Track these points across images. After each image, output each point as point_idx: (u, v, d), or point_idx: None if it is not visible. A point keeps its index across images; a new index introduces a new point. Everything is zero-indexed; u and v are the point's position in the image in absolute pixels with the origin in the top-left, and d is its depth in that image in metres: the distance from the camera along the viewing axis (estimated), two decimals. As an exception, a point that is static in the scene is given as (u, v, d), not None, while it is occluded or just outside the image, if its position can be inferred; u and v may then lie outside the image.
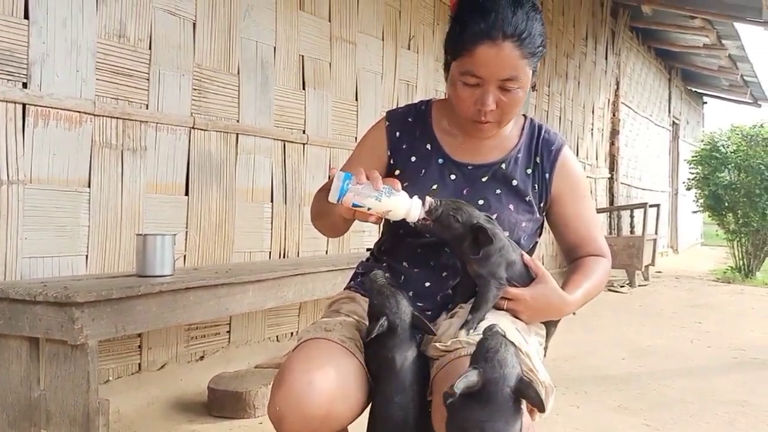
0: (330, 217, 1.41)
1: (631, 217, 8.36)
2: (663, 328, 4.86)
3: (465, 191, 1.48)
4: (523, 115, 1.58)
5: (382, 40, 4.15)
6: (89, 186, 2.52)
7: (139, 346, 2.74)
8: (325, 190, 1.32)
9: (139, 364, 2.74)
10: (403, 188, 1.44)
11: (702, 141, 10.32)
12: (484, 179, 1.49)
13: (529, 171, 1.51)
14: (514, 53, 1.33)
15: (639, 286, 7.22)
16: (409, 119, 1.57)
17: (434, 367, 1.32)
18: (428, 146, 1.53)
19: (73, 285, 2.00)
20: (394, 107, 1.63)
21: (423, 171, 1.51)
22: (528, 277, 1.41)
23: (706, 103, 15.89)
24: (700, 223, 15.57)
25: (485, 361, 1.13)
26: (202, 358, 3.02)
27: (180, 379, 2.88)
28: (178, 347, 2.90)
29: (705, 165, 9.53)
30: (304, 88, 3.56)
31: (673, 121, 12.74)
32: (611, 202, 8.68)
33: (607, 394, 3.08)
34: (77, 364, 1.87)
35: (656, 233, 7.95)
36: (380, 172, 1.54)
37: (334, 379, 1.24)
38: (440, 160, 1.51)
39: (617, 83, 8.99)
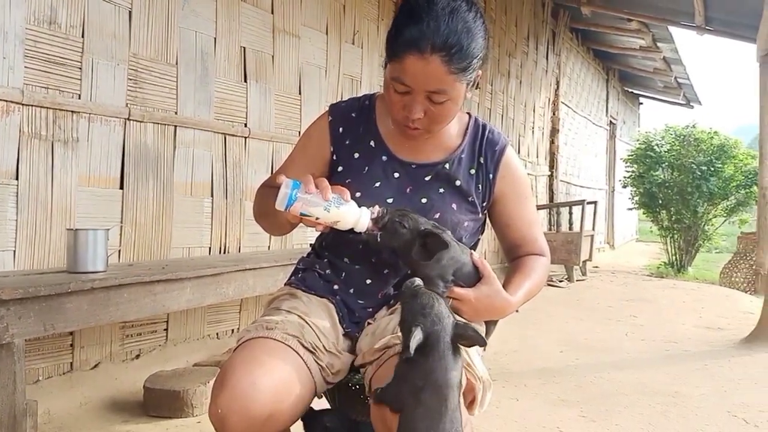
0: (275, 218, 1.38)
1: (570, 213, 8.57)
2: (599, 322, 4.99)
3: (408, 189, 1.47)
4: (467, 113, 1.57)
5: (326, 33, 4.11)
6: (17, 178, 2.41)
7: (71, 345, 2.64)
8: (268, 186, 1.29)
9: (71, 364, 2.65)
10: (347, 185, 1.43)
11: (637, 140, 10.66)
12: (427, 178, 1.48)
13: (473, 171, 1.50)
14: (442, 68, 1.28)
15: (577, 281, 7.40)
16: (353, 114, 1.55)
17: (372, 365, 1.31)
18: (372, 143, 1.51)
19: (-3, 282, 1.90)
20: (338, 101, 1.60)
21: (366, 168, 1.49)
22: (475, 277, 1.41)
23: (642, 103, 16.41)
24: (635, 220, 16.09)
25: (423, 316, 1.14)
26: (138, 356, 2.93)
27: (115, 378, 2.79)
28: (112, 345, 2.81)
29: (640, 163, 9.86)
30: (245, 81, 3.49)
31: (611, 121, 13.11)
32: (551, 199, 8.87)
33: (546, 386, 3.14)
34: (3, 364, 1.79)
35: (593, 230, 8.17)
36: (321, 169, 1.53)
37: (277, 379, 1.22)
38: (384, 158, 1.49)
39: (557, 83, 9.18)
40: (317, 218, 1.27)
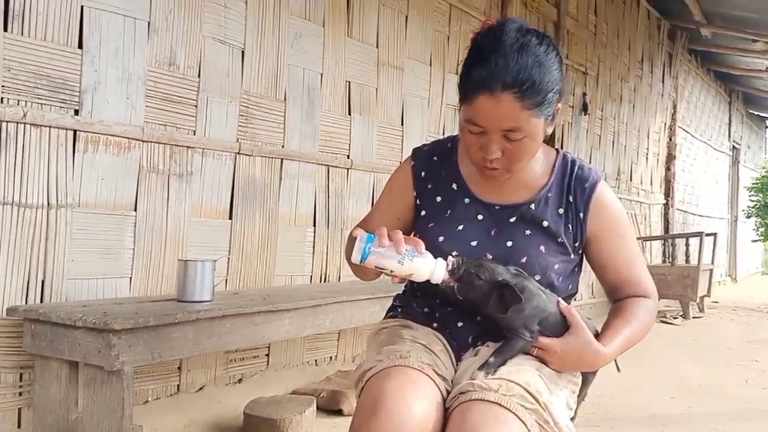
0: (357, 268, 1.40)
1: (687, 245, 8.09)
2: (716, 365, 4.65)
3: (493, 232, 1.43)
4: (556, 149, 1.52)
5: (430, 65, 4.15)
6: (135, 210, 2.58)
7: (179, 368, 2.78)
8: (353, 239, 1.31)
9: (178, 386, 2.78)
10: (430, 230, 1.42)
11: (764, 168, 9.95)
12: (512, 220, 1.44)
13: (561, 211, 1.44)
14: (515, 105, 1.26)
15: (693, 318, 6.95)
16: (435, 158, 1.54)
17: (449, 405, 1.28)
18: (454, 186, 1.49)
19: (112, 310, 2.04)
20: (421, 144, 1.60)
21: (449, 211, 1.47)
22: (563, 326, 1.36)
23: (768, 127, 15.33)
24: (760, 251, 14.97)
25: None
26: (240, 380, 3.04)
27: (218, 401, 2.90)
28: (216, 369, 2.92)
29: (766, 192, 9.19)
30: (349, 114, 3.58)
31: (733, 146, 12.31)
32: (666, 229, 8.42)
33: (653, 436, 2.96)
34: (113, 389, 1.90)
35: (713, 263, 7.67)
36: (407, 215, 1.53)
37: (427, 406, 1.22)
38: (466, 200, 1.47)
39: (674, 107, 8.75)
40: (391, 271, 1.27)
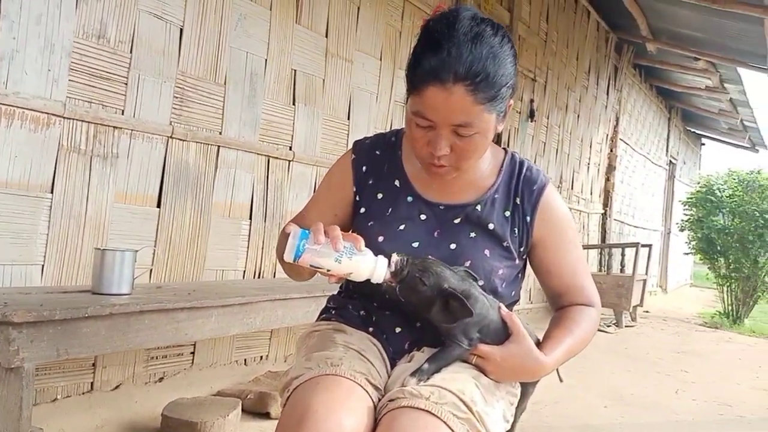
0: (290, 267, 1.28)
1: (623, 255, 8.24)
2: (647, 375, 4.71)
3: (436, 233, 1.34)
4: (504, 149, 1.44)
5: (380, 59, 4.03)
6: (52, 192, 2.37)
7: (93, 364, 2.57)
8: (286, 235, 1.19)
9: (92, 383, 2.58)
10: (369, 228, 1.31)
11: (698, 183, 10.25)
12: (456, 221, 1.35)
13: (508, 213, 1.37)
14: (467, 99, 1.17)
15: (626, 326, 7.08)
16: (377, 152, 1.44)
17: (378, 413, 1.18)
18: (397, 182, 1.40)
19: (15, 300, 1.85)
20: (362, 137, 1.48)
21: (390, 210, 1.37)
22: (504, 333, 1.28)
23: (704, 144, 15.87)
24: (690, 264, 15.49)
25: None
26: (161, 379, 2.86)
27: (135, 401, 2.71)
28: (135, 367, 2.73)
29: (700, 207, 9.46)
30: (294, 104, 3.43)
31: (671, 161, 12.68)
32: (603, 238, 8.56)
33: (586, 447, 2.93)
34: (10, 388, 1.72)
35: (647, 273, 7.83)
36: (345, 211, 1.42)
37: (359, 419, 1.12)
38: (409, 198, 1.37)
39: (617, 119, 8.91)
40: (328, 270, 1.16)
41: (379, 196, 1.39)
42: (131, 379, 2.72)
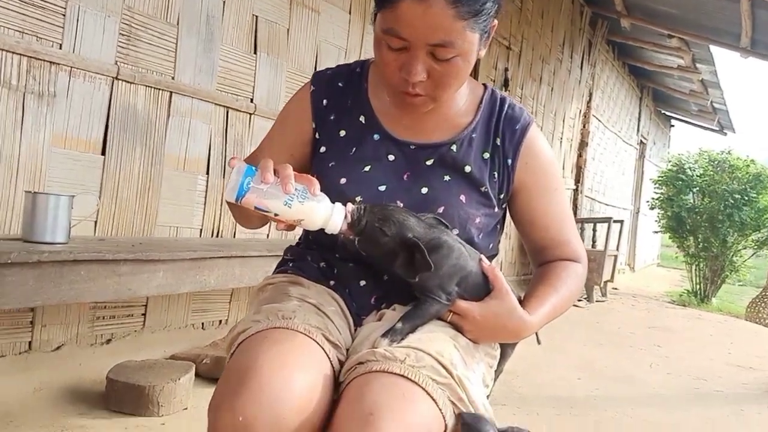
0: (237, 209, 1.11)
1: (594, 231, 8.18)
2: (620, 349, 4.62)
3: (406, 176, 1.17)
4: (483, 84, 1.26)
5: (349, 13, 3.80)
6: (-22, 130, 2.12)
7: (31, 322, 2.34)
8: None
9: (30, 343, 2.35)
10: (330, 169, 1.13)
11: (669, 162, 10.24)
12: (428, 162, 1.18)
13: (487, 155, 1.20)
14: (447, 12, 1.00)
15: (597, 301, 7.02)
16: (339, 84, 1.24)
17: (344, 378, 1.01)
18: (362, 118, 1.21)
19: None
20: (324, 68, 1.29)
21: (354, 149, 1.19)
22: (484, 288, 1.12)
23: (673, 126, 15.93)
24: (658, 244, 15.62)
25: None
26: (109, 341, 2.63)
27: (79, 364, 2.49)
28: (79, 327, 2.50)
29: (670, 186, 9.45)
30: (255, 52, 3.19)
31: (641, 140, 12.68)
32: (574, 215, 8.48)
33: (562, 419, 2.79)
34: None
35: (617, 250, 7.78)
36: (302, 150, 1.23)
37: (312, 379, 0.95)
38: (376, 136, 1.20)
39: (590, 94, 8.80)
40: (276, 214, 0.98)
41: (342, 133, 1.21)
42: (75, 339, 2.49)
